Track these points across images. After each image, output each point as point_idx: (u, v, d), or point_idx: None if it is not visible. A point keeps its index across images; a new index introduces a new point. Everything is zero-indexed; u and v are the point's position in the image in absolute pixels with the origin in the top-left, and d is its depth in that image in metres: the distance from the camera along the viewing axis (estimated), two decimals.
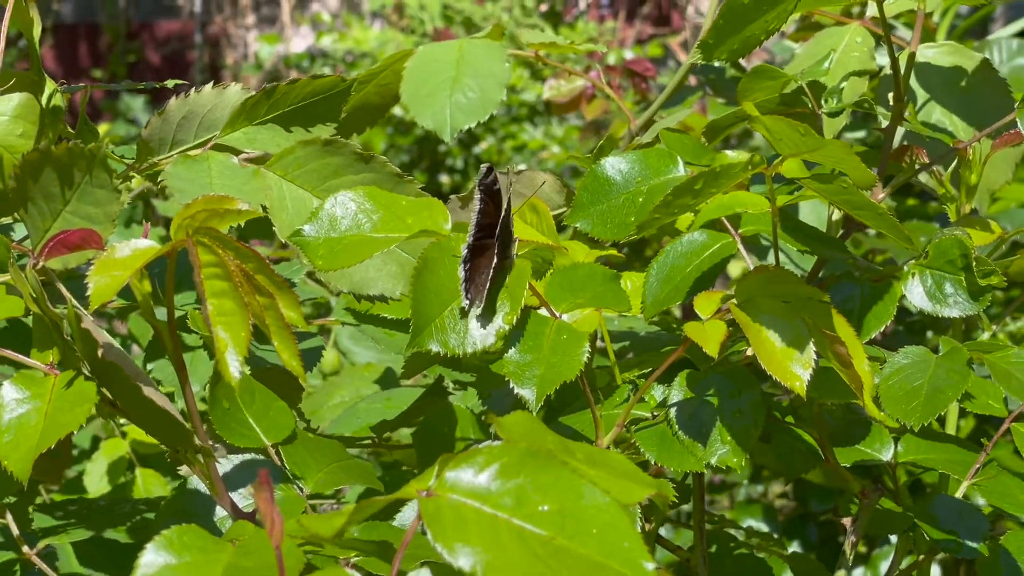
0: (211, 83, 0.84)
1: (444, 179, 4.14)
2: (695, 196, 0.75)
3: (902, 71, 0.90)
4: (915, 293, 0.82)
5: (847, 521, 0.86)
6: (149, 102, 4.96)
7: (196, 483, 0.76)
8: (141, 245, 0.64)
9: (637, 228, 0.79)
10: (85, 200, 0.72)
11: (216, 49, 6.35)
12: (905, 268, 0.83)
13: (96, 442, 1.50)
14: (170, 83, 0.91)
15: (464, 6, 5.05)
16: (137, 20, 6.51)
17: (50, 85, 0.81)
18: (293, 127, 0.84)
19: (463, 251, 0.73)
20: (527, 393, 0.73)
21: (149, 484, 1.36)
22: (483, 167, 0.75)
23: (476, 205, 0.74)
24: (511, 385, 0.73)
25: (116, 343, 0.68)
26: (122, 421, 1.41)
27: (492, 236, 0.75)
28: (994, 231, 0.86)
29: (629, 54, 3.28)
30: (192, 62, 6.38)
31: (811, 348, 0.70)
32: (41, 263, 0.67)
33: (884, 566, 1.62)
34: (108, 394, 0.69)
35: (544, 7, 5.25)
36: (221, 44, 6.29)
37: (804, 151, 0.72)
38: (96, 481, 1.38)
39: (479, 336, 0.74)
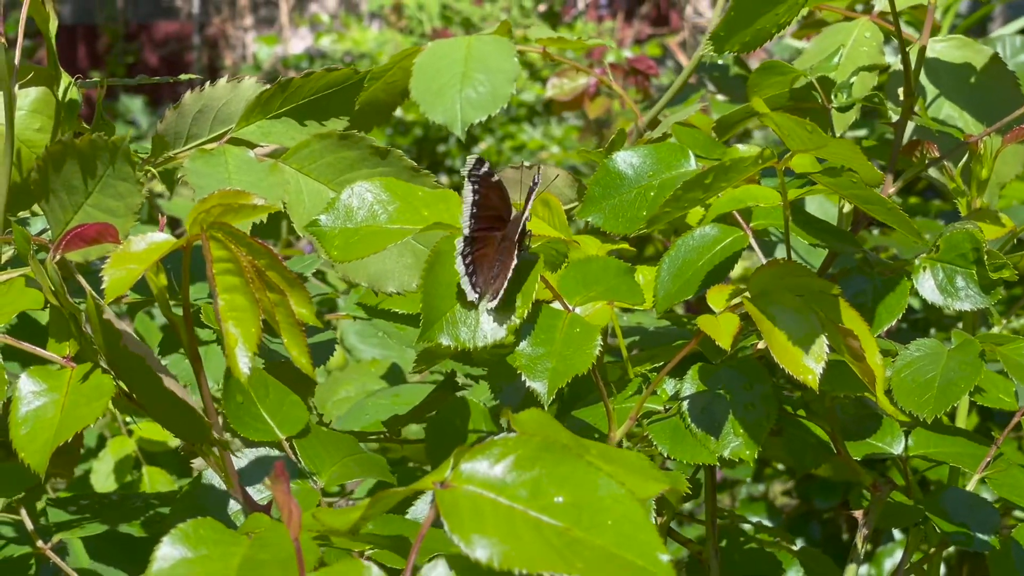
0: (225, 77, 0.84)
1: (444, 179, 4.14)
2: (705, 190, 0.75)
3: (912, 66, 0.90)
4: (926, 286, 0.82)
5: (859, 514, 0.86)
6: (147, 103, 4.97)
7: (210, 477, 0.76)
8: (157, 239, 0.63)
9: (647, 222, 0.79)
10: (107, 193, 0.72)
11: (214, 50, 6.35)
12: (916, 262, 0.83)
13: (102, 440, 1.50)
14: (184, 77, 0.91)
15: (462, 7, 5.06)
16: (135, 21, 6.52)
17: (66, 79, 0.81)
18: (307, 120, 0.84)
19: (458, 244, 0.72)
20: (539, 387, 0.73)
21: (156, 482, 1.36)
22: (470, 158, 0.74)
23: (468, 196, 0.73)
24: (523, 379, 0.73)
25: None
26: (128, 419, 1.41)
27: (496, 228, 0.75)
28: (1005, 225, 0.86)
29: (628, 54, 3.28)
30: (190, 63, 6.38)
31: (823, 341, 0.70)
32: (59, 256, 0.67)
33: (888, 563, 1.62)
34: (124, 387, 0.69)
35: (543, 7, 5.25)
36: (219, 45, 6.29)
37: (811, 148, 0.72)
38: (103, 479, 1.38)
39: (491, 329, 0.73)
